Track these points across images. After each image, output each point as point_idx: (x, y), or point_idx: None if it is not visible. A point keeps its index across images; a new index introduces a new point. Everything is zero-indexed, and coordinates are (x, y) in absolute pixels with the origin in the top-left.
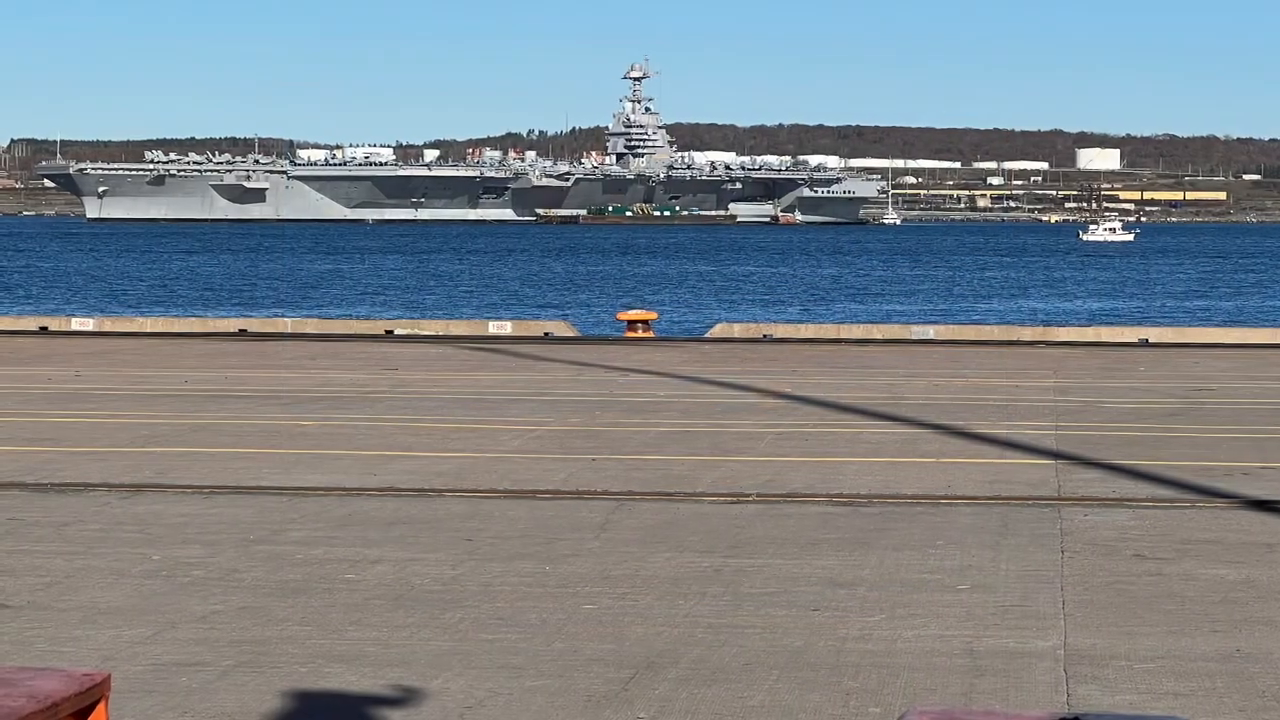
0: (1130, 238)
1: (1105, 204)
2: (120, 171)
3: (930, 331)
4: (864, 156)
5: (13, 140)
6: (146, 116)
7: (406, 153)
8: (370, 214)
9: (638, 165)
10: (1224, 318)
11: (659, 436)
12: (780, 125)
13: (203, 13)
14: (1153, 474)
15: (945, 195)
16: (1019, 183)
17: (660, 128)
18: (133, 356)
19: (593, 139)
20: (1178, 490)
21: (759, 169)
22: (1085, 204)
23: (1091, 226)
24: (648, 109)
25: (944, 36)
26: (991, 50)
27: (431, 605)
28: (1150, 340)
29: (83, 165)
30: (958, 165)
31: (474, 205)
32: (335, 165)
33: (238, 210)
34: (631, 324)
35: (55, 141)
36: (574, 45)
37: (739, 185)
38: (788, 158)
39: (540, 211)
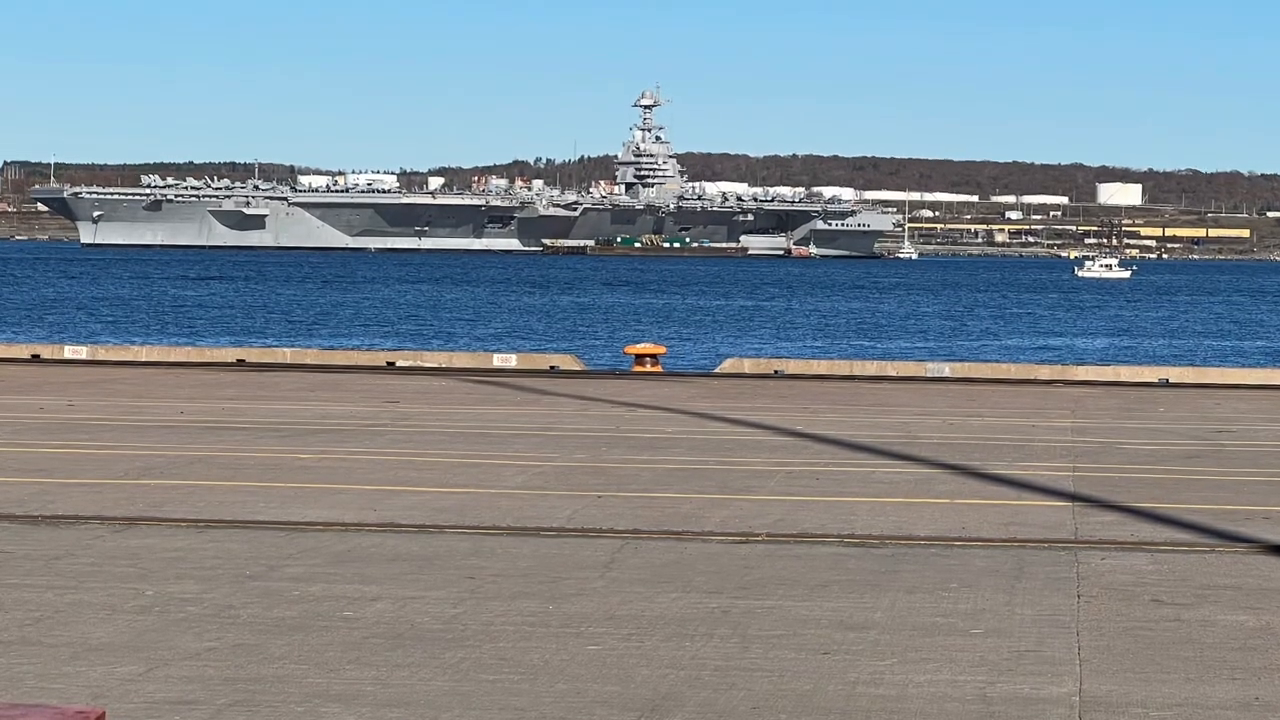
0: (1126, 275)
1: (1126, 240)
2: (116, 196)
3: (946, 369)
4: (880, 189)
5: (6, 163)
6: (144, 141)
7: (411, 180)
8: (372, 242)
9: (647, 195)
10: (1248, 359)
11: (667, 474)
12: (794, 156)
13: (202, 36)
14: (1172, 517)
15: (962, 229)
16: (1038, 217)
17: (671, 157)
18: (127, 386)
19: (602, 168)
20: (1197, 534)
21: (771, 200)
22: (1105, 240)
23: (1087, 262)
24: (659, 138)
25: (962, 68)
26: (1011, 83)
27: (432, 644)
28: (1170, 380)
29: (78, 189)
30: (975, 199)
31: (479, 234)
32: (337, 192)
33: (236, 237)
34: (639, 358)
35: (50, 165)
36: (583, 73)
37: (751, 217)
38: (801, 189)
39: (547, 242)
